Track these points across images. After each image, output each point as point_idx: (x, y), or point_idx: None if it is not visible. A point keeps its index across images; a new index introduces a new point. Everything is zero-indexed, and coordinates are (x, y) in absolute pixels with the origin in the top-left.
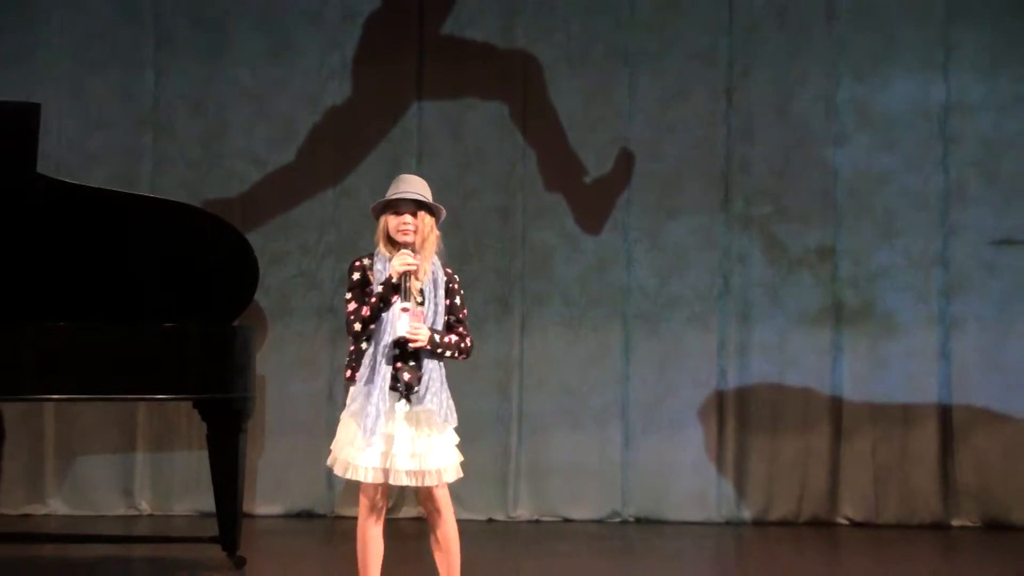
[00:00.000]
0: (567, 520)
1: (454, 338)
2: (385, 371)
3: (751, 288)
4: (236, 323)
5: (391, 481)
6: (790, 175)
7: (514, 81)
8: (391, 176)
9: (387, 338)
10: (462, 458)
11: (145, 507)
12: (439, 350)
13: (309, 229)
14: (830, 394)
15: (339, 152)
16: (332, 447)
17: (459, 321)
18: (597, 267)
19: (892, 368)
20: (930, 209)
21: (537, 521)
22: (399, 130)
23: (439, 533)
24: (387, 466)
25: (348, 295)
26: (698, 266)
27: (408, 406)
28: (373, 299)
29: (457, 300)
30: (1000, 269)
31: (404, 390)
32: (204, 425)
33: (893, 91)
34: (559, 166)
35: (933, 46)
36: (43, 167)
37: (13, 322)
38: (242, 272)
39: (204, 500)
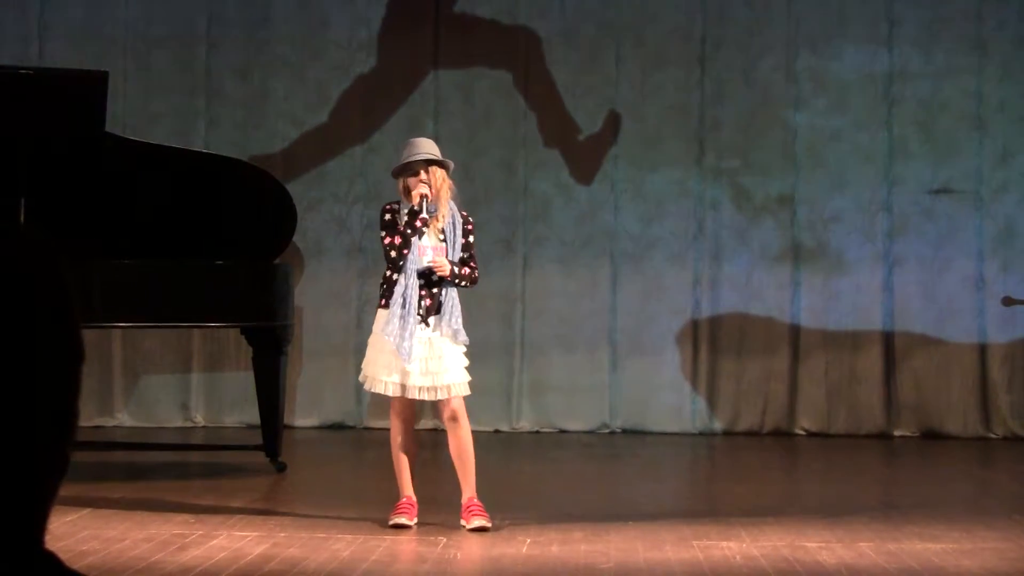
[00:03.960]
0: (563, 431)
1: (467, 270)
2: (414, 301)
3: (721, 231)
4: (277, 261)
5: (407, 395)
6: (755, 133)
7: (517, 53)
8: (412, 134)
9: (414, 270)
10: (470, 377)
11: (199, 420)
12: (456, 280)
13: (340, 180)
14: (789, 322)
15: (366, 114)
16: (363, 365)
17: (471, 257)
18: (589, 213)
19: (843, 300)
20: (876, 163)
21: (537, 432)
22: (418, 95)
23: (456, 441)
24: (405, 382)
25: (383, 233)
26: (676, 212)
27: (427, 329)
28: (402, 227)
29: (471, 239)
30: (936, 214)
31: (424, 314)
32: (250, 349)
33: (844, 61)
34: (556, 126)
35: (879, 21)
36: (111, 126)
37: (86, 259)
38: (282, 217)
39: (250, 414)
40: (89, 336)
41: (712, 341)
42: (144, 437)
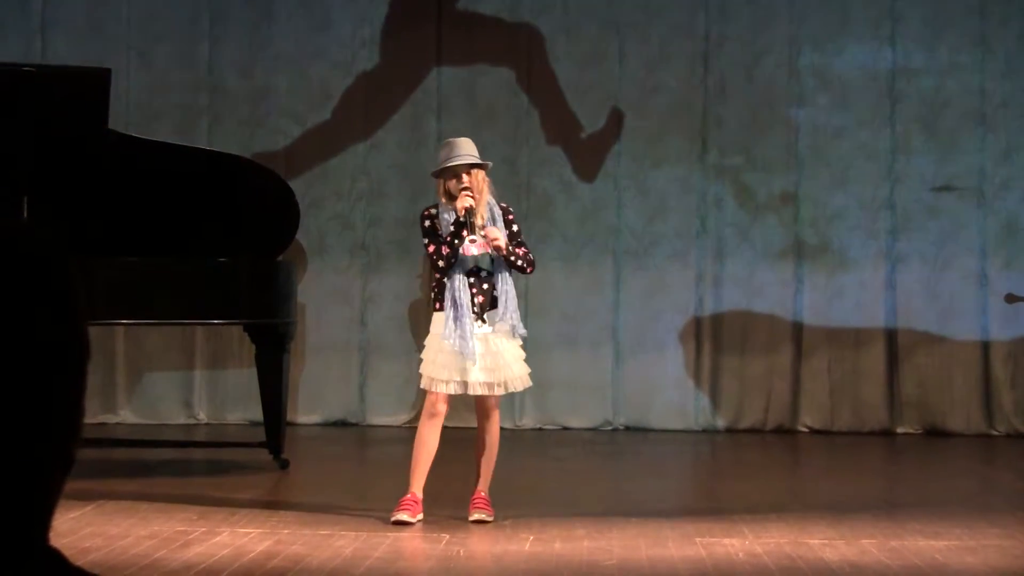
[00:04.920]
0: (566, 428)
1: (521, 251)
2: (466, 300)
3: (724, 228)
4: (280, 258)
5: (469, 392)
6: (758, 131)
7: (520, 50)
8: (415, 131)
9: (461, 271)
10: (529, 369)
11: (202, 417)
12: (512, 258)
13: (343, 177)
14: (792, 319)
15: (369, 111)
16: (422, 369)
17: (520, 244)
18: (591, 210)
19: (845, 297)
20: (879, 160)
21: (540, 429)
22: (421, 92)
23: (484, 435)
24: (465, 379)
25: (426, 240)
26: (679, 209)
27: (484, 326)
28: (448, 237)
29: (515, 228)
30: (939, 212)
31: (480, 312)
32: (253, 346)
33: (847, 58)
34: (558, 123)
35: (882, 19)
36: (113, 123)
37: (89, 256)
38: (286, 214)
39: (253, 411)
40: (92, 333)
41: (715, 338)
42: (147, 434)
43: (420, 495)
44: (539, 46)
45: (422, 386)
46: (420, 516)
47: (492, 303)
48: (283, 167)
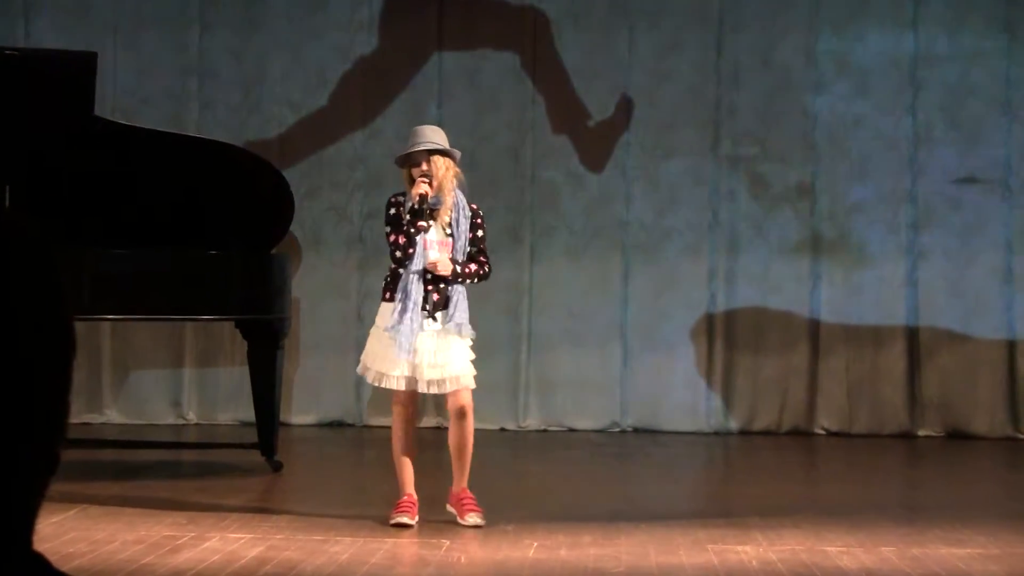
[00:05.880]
0: (571, 430)
1: (473, 267)
2: (417, 294)
3: (738, 221)
4: (274, 251)
5: (418, 389)
6: (773, 120)
7: (525, 35)
8: (414, 119)
9: (418, 265)
10: (475, 372)
11: (192, 417)
12: (460, 279)
13: (340, 167)
14: (808, 317)
15: (367, 97)
16: (363, 358)
17: (480, 251)
18: (599, 202)
19: (865, 294)
20: (900, 150)
21: (544, 430)
22: (421, 78)
23: (459, 433)
24: (415, 375)
25: (387, 228)
26: (690, 202)
27: (435, 324)
28: (406, 227)
29: (480, 232)
30: (962, 205)
31: (432, 309)
32: (245, 343)
33: (867, 43)
34: (565, 111)
35: (903, 2)
36: (100, 109)
37: (74, 248)
38: (279, 205)
39: (245, 410)
40: (77, 329)
41: (728, 336)
42: (134, 435)
43: (415, 495)
44: (545, 30)
45: (369, 381)
46: (417, 518)
47: (445, 303)
48: (277, 156)
